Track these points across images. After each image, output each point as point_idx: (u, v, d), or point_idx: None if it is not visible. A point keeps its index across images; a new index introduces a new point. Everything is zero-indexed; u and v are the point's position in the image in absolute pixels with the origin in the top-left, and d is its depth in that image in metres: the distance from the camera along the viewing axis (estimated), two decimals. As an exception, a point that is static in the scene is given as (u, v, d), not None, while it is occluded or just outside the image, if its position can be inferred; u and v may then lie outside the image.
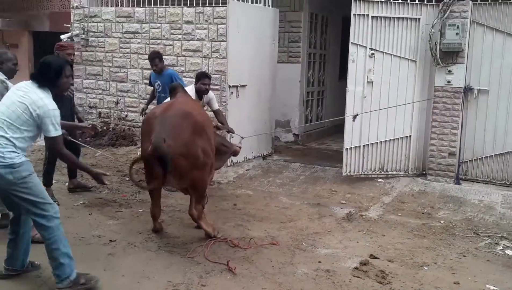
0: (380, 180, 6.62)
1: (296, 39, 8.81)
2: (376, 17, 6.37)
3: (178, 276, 3.82)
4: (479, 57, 6.25)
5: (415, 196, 6.12)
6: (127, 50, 8.62)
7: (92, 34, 8.93)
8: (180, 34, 7.96)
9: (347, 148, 6.50)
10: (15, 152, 3.24)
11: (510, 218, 5.42)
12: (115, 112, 8.88)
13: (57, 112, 3.34)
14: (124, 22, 8.55)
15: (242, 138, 6.01)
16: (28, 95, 3.29)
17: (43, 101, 3.29)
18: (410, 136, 6.59)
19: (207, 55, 7.64)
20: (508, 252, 4.56)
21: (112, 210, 5.36)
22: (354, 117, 6.42)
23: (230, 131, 6.09)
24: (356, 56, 6.36)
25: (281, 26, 8.48)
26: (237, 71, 6.85)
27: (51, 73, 3.39)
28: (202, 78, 5.93)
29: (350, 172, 6.56)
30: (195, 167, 4.28)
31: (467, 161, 6.44)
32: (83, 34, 8.94)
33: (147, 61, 8.06)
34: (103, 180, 3.74)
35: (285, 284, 3.77)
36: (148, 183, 4.39)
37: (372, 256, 4.33)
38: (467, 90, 6.28)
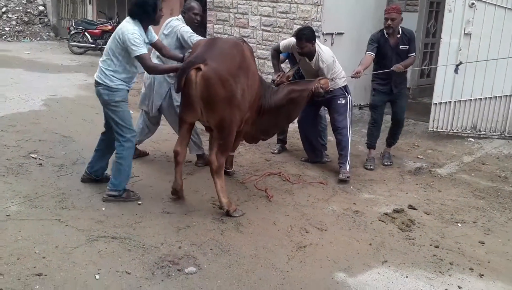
0: (470, 139, 6.32)
1: (415, -14, 8.40)
2: (481, -38, 5.87)
3: (223, 195, 4.44)
4: None
5: (500, 159, 5.77)
6: (250, -4, 9.21)
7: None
8: (294, -18, 8.23)
9: (435, 103, 6.30)
10: (114, 77, 4.00)
11: None
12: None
13: (134, 36, 3.82)
14: (248, -31, 9.10)
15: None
16: (118, 28, 3.98)
17: (125, 27, 3.89)
18: (510, 95, 6.08)
19: (317, 2, 7.82)
20: None
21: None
22: (457, 66, 5.67)
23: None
24: (453, 6, 6.00)
25: (399, -28, 8.18)
26: (333, 18, 6.98)
27: (149, 8, 3.92)
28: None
29: (437, 128, 6.38)
30: (228, 104, 3.81)
31: None
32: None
33: (266, 8, 8.63)
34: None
35: (309, 215, 4.17)
36: (180, 113, 4.09)
37: (411, 207, 4.43)
38: None
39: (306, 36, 4.77)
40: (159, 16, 4.05)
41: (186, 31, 4.70)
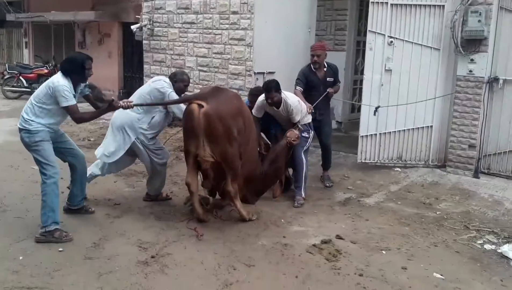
0: (397, 169, 6.59)
1: (342, 27, 8.88)
2: (396, 4, 6.31)
3: (150, 236, 4.36)
4: (506, 46, 5.91)
5: (425, 186, 6.04)
6: (185, 39, 9.37)
7: (157, 24, 9.83)
8: (228, 24, 8.48)
9: (362, 136, 6.55)
10: (34, 122, 4.21)
11: (513, 215, 5.17)
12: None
13: (64, 88, 4.13)
14: (183, 14, 9.31)
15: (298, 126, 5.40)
16: (51, 79, 4.29)
17: (57, 78, 4.20)
18: (431, 126, 6.45)
19: (249, 43, 8.08)
20: (486, 246, 4.43)
21: (135, 179, 6.10)
22: (375, 111, 6.38)
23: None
24: (374, 44, 6.36)
25: (328, 14, 8.70)
26: (264, 58, 7.22)
27: (78, 66, 4.26)
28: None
29: (365, 159, 6.62)
30: (228, 140, 4.41)
31: (491, 154, 6.16)
32: (150, 24, 9.88)
33: (201, 49, 8.80)
34: (115, 104, 4.40)
35: (238, 251, 4.15)
36: (185, 146, 4.62)
37: (338, 237, 4.51)
38: (492, 80, 5.98)
39: (274, 86, 5.19)
40: (87, 74, 4.35)
41: (174, 96, 4.97)
